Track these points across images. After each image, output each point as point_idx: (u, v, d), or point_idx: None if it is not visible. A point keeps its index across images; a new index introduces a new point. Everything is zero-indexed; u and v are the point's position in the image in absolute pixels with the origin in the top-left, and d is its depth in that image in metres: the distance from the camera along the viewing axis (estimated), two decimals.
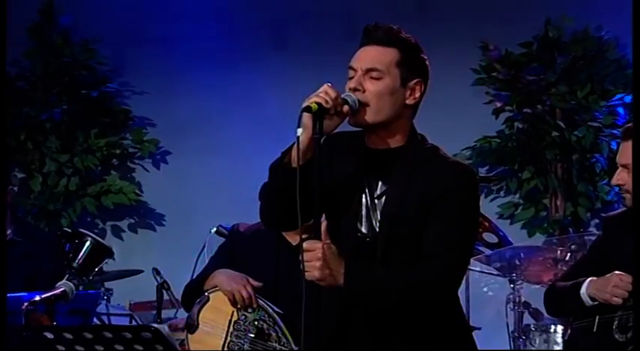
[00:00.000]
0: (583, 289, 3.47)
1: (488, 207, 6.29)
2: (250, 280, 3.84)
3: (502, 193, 6.54)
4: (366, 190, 2.86)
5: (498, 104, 6.45)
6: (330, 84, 2.77)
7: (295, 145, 2.72)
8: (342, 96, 2.77)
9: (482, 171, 6.38)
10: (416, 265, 2.77)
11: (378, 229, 2.81)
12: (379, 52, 2.83)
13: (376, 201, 2.84)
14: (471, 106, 6.47)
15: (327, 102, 2.71)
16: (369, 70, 2.81)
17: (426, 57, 2.89)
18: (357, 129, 2.88)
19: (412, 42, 2.86)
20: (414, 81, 2.84)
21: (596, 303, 3.43)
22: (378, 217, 2.82)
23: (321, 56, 6.46)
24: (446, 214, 2.77)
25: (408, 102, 2.85)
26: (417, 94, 2.86)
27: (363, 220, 2.85)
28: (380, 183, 2.85)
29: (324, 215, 2.84)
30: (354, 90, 2.81)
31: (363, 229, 2.84)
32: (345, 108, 2.77)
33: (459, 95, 6.45)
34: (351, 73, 2.84)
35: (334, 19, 6.72)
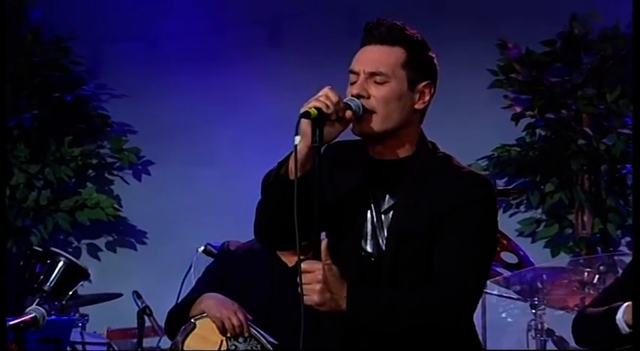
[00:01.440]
0: (619, 315, 3.45)
1: (507, 223, 6.30)
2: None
3: (522, 208, 6.55)
4: (372, 205, 2.86)
5: (518, 109, 6.46)
6: (331, 87, 2.76)
7: (292, 155, 2.72)
8: (345, 100, 2.77)
9: (501, 183, 6.40)
10: (426, 287, 2.76)
11: (384, 248, 2.81)
12: (383, 53, 2.83)
13: (383, 216, 2.84)
14: (487, 111, 6.49)
15: (327, 107, 2.71)
16: (372, 74, 2.81)
17: (434, 55, 2.89)
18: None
19: (418, 39, 2.86)
20: (423, 83, 2.85)
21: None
22: (385, 234, 2.82)
23: (322, 55, 6.49)
24: (460, 229, 2.77)
25: (417, 106, 2.85)
26: (427, 98, 2.86)
27: (369, 237, 2.85)
28: (387, 197, 2.86)
29: (324, 233, 2.84)
30: (358, 97, 2.80)
31: (368, 248, 2.85)
32: (348, 114, 2.77)
33: (473, 99, 6.47)
34: (353, 77, 2.85)
35: (337, 14, 6.75)
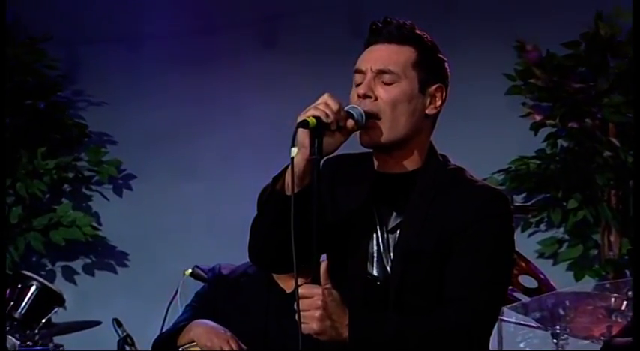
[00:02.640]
0: None
1: (526, 244, 6.30)
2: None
3: (543, 227, 6.56)
4: (377, 223, 2.88)
5: (537, 117, 6.47)
6: (330, 93, 2.77)
7: (289, 169, 2.72)
8: (346, 108, 2.78)
9: (519, 199, 6.40)
10: (436, 312, 2.77)
11: (391, 270, 2.83)
12: (392, 51, 2.86)
13: (389, 236, 2.86)
14: (503, 119, 6.50)
15: (327, 116, 2.72)
16: (380, 72, 2.84)
17: (444, 58, 2.92)
18: (365, 150, 2.91)
19: (429, 39, 2.89)
20: (435, 86, 2.88)
21: None
22: (392, 255, 2.84)
23: (320, 59, 6.51)
24: (473, 249, 2.78)
25: (428, 112, 2.88)
26: (439, 103, 2.89)
27: (374, 259, 2.86)
28: (393, 214, 2.87)
29: (324, 254, 2.87)
30: (364, 96, 2.82)
31: (374, 271, 2.86)
32: (350, 123, 2.78)
33: (488, 106, 6.48)
34: (358, 77, 2.87)
35: (337, 13, 6.76)
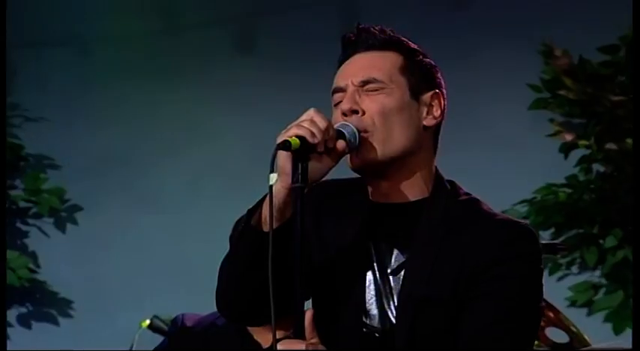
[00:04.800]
0: None
1: (555, 290, 6.30)
2: None
3: (575, 270, 6.57)
4: (375, 264, 2.87)
5: (568, 137, 6.48)
6: (317, 109, 2.76)
7: (267, 199, 2.71)
8: (336, 126, 2.79)
9: (546, 236, 6.42)
10: None
11: (394, 320, 2.81)
12: (373, 58, 2.90)
13: (391, 279, 2.85)
14: (527, 139, 6.52)
15: (313, 135, 2.71)
16: (364, 83, 2.86)
17: (434, 63, 2.94)
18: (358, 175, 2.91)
19: (414, 46, 2.94)
20: (429, 93, 2.90)
21: None
22: (395, 301, 2.82)
23: (305, 66, 6.51)
24: (494, 295, 2.78)
25: (426, 123, 2.89)
26: (437, 112, 2.91)
27: (372, 307, 2.85)
28: (395, 252, 2.87)
29: (310, 301, 2.85)
30: (350, 112, 2.83)
31: (372, 321, 2.84)
32: (341, 144, 2.78)
33: (509, 124, 6.49)
34: (338, 96, 2.89)
35: (327, 10, 6.76)
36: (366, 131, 2.83)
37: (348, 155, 2.83)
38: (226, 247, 2.91)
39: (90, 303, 6.89)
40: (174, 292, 6.36)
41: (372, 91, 2.85)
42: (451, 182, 2.94)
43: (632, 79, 5.86)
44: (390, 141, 2.84)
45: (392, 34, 2.92)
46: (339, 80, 2.89)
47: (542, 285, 2.88)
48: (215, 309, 2.98)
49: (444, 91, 2.94)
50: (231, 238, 2.91)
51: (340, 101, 2.87)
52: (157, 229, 6.77)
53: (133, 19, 6.92)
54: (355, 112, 2.84)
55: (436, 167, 2.93)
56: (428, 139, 2.91)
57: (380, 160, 2.84)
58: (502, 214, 2.91)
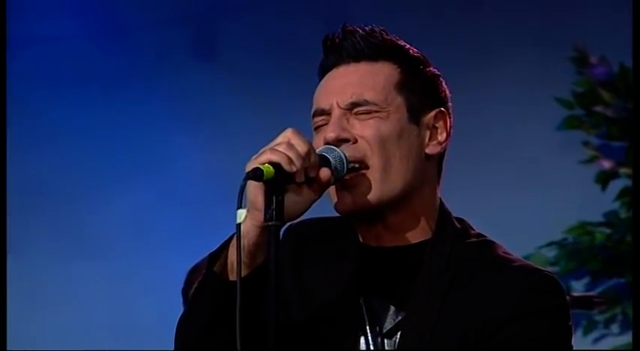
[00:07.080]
0: None
1: None
2: None
3: (615, 328, 6.57)
4: (366, 322, 2.89)
5: (606, 164, 6.50)
6: (295, 129, 2.77)
7: (234, 241, 2.71)
8: (319, 151, 2.80)
9: (579, 286, 6.44)
10: None
11: None
12: (363, 73, 2.92)
13: (386, 341, 2.86)
14: (555, 166, 6.52)
15: (291, 161, 2.72)
16: (353, 106, 2.88)
17: (438, 72, 2.96)
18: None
19: (414, 52, 2.96)
20: (433, 113, 2.93)
21: None
22: None
23: (282, 77, 6.51)
24: None
25: (429, 151, 2.92)
26: (443, 136, 2.94)
27: None
28: (391, 309, 2.89)
29: None
30: (339, 142, 2.84)
31: None
32: (324, 173, 2.78)
33: (533, 148, 6.51)
34: (320, 119, 2.91)
35: (309, 9, 6.78)
36: (362, 162, 2.84)
37: (332, 192, 2.82)
38: (182, 302, 2.89)
39: None
40: None
41: (362, 114, 2.86)
42: (460, 220, 2.98)
43: (633, 81, 5.90)
44: (388, 178, 2.87)
45: (384, 36, 2.92)
46: (321, 100, 2.91)
47: (571, 348, 2.89)
48: None
49: (450, 105, 2.95)
50: (185, 291, 2.90)
51: (323, 125, 2.87)
52: (96, 278, 6.78)
53: (67, 18, 6.93)
54: (345, 140, 2.84)
55: (441, 201, 2.96)
56: (431, 169, 2.95)
57: (375, 204, 2.86)
58: (521, 260, 2.93)
